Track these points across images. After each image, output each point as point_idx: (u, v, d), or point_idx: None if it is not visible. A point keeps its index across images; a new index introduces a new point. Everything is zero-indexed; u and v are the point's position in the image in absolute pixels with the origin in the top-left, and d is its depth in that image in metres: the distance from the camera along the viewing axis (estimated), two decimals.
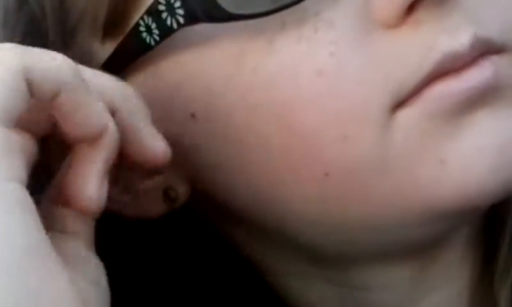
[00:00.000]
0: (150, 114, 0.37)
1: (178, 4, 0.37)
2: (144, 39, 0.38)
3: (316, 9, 0.36)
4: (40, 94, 0.33)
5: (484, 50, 0.36)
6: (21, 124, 0.33)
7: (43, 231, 0.31)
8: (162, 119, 0.39)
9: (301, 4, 0.36)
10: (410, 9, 0.36)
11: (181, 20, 0.37)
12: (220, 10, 0.36)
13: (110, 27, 0.40)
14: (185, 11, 0.37)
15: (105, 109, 0.35)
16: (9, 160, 0.31)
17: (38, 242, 0.31)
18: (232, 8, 0.36)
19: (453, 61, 0.36)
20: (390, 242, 0.40)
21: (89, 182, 0.35)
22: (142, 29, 0.38)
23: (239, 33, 0.37)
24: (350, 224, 0.38)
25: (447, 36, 0.36)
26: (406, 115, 0.36)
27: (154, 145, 0.37)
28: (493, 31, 0.37)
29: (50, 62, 0.33)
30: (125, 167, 0.38)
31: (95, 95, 0.35)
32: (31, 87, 0.33)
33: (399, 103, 0.36)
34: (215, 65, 0.38)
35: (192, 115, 0.39)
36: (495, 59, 0.36)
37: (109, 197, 0.36)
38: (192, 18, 0.37)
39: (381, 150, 0.36)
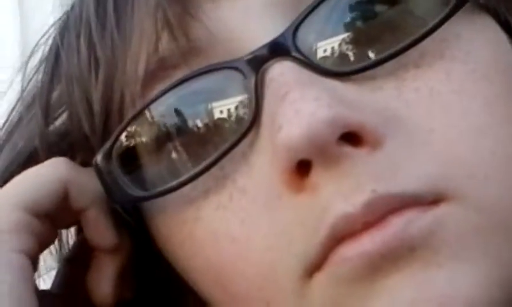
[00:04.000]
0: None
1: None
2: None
3: (234, 176, 0.36)
4: (71, 205, 0.39)
5: (394, 206, 0.32)
6: (47, 215, 0.39)
7: (33, 298, 0.37)
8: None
9: (223, 171, 0.36)
10: (305, 172, 0.33)
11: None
12: (125, 194, 0.38)
13: None
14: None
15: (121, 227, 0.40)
16: (20, 236, 0.38)
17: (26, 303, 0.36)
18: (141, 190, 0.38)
19: (346, 224, 0.33)
20: None
21: (104, 287, 0.40)
22: None
23: (170, 204, 0.38)
24: None
25: (341, 198, 0.33)
26: (318, 281, 0.34)
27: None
28: (408, 184, 0.33)
29: (88, 183, 0.39)
30: None
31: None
32: (66, 197, 0.39)
33: (312, 269, 0.34)
34: (168, 234, 0.39)
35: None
36: (409, 215, 0.32)
37: None
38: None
39: None
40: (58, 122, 0.43)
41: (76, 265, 0.42)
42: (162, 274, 0.42)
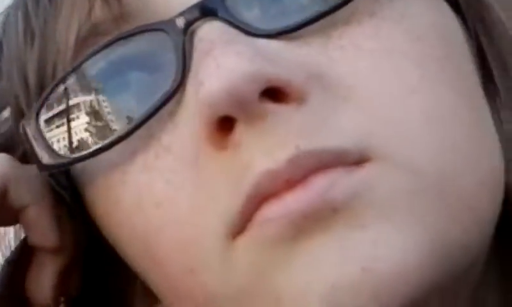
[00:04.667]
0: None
1: None
2: None
3: (160, 135, 0.35)
4: (10, 203, 0.38)
5: (318, 165, 0.31)
6: None
7: None
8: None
9: (149, 130, 0.35)
10: (229, 129, 0.32)
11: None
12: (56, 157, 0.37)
13: None
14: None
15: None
16: None
17: None
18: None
19: (270, 181, 0.31)
20: None
21: (43, 288, 0.39)
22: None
23: (98, 170, 0.37)
24: None
25: (264, 154, 0.32)
26: (241, 243, 0.32)
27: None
28: (332, 139, 0.32)
29: (29, 180, 0.38)
30: None
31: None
32: (5, 195, 0.38)
33: (236, 230, 0.32)
34: (98, 204, 0.38)
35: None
36: (333, 175, 0.31)
37: None
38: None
39: (226, 284, 0.33)
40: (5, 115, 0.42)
41: (18, 265, 0.41)
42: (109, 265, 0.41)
